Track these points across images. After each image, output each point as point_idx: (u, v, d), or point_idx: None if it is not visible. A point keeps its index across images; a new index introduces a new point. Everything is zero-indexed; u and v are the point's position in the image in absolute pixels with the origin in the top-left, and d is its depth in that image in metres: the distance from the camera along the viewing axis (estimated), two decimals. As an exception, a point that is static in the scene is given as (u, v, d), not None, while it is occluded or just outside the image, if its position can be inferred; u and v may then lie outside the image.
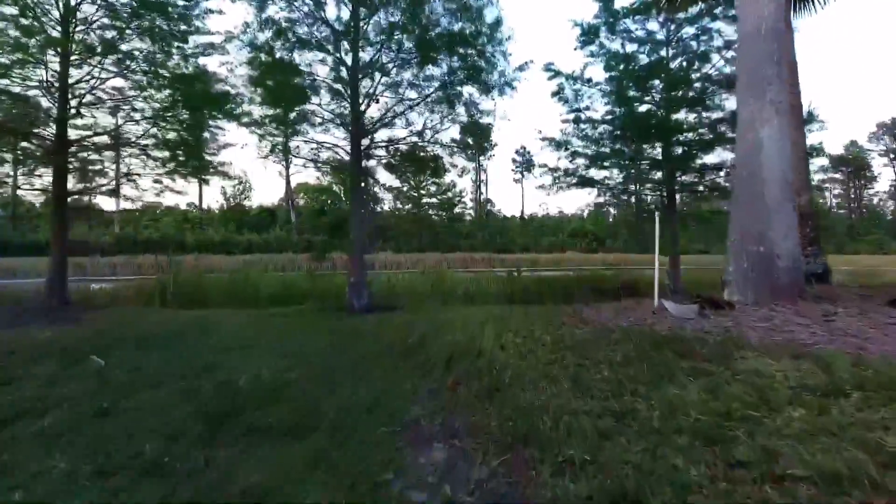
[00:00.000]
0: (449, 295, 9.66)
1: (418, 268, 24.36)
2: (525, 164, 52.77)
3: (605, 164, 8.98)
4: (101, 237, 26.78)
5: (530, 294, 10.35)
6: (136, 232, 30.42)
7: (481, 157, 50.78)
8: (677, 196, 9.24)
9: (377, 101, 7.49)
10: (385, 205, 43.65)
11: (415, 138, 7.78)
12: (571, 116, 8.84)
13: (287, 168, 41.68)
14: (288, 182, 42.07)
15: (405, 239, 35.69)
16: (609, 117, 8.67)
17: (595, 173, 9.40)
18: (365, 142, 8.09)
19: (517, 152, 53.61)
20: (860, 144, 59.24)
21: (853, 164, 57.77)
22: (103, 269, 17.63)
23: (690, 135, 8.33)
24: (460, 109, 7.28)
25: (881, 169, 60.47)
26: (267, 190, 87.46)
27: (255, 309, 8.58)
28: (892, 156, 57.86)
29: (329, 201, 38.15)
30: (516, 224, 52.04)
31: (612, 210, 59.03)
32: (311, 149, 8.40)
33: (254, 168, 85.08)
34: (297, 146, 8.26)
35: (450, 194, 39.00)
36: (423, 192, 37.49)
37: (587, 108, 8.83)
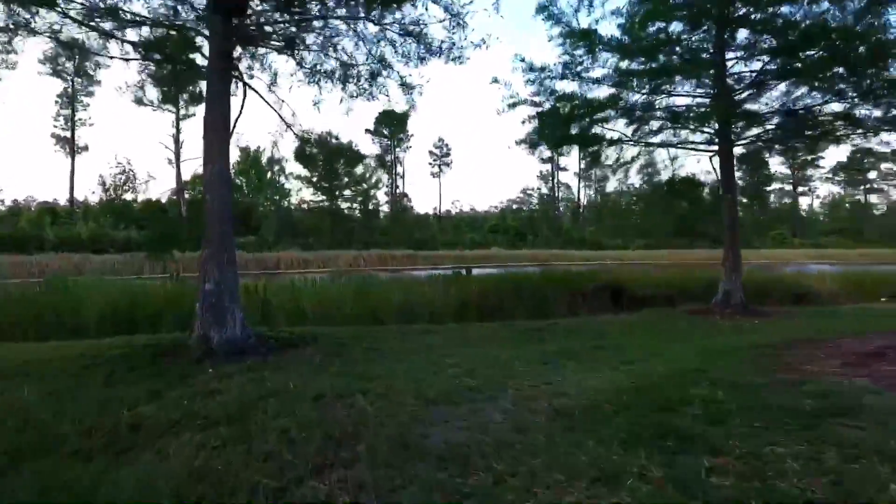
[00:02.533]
0: (380, 311, 6.56)
1: (330, 267, 20.79)
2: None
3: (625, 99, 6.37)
4: None
5: (490, 300, 7.63)
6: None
7: (397, 149, 47.58)
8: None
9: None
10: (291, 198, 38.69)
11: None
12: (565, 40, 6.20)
13: (178, 155, 34.87)
14: (178, 170, 35.25)
15: (315, 235, 31.40)
16: (627, 40, 6.12)
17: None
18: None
19: (435, 145, 51.09)
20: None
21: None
22: None
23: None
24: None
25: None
26: (163, 181, 74.64)
27: (60, 341, 4.85)
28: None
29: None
30: (433, 220, 49.58)
31: (524, 208, 58.89)
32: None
33: (142, 155, 71.36)
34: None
35: (365, 185, 35.40)
36: (335, 182, 33.48)
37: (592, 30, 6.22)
